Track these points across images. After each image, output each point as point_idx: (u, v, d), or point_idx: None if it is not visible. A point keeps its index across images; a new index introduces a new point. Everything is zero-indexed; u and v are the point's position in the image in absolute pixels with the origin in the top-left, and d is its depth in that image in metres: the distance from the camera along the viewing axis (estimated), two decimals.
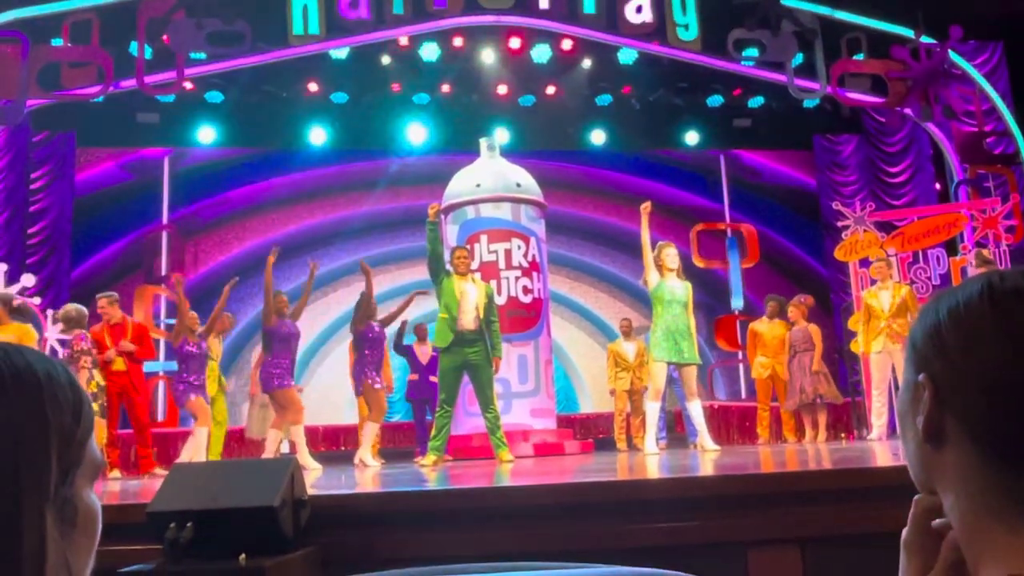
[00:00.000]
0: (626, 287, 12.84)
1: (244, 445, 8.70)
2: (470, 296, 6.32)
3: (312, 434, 8.90)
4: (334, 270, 12.03)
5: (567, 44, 10.76)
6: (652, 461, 4.84)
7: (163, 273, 10.86)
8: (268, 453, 6.41)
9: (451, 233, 8.75)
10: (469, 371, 6.28)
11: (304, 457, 6.31)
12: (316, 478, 4.74)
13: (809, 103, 10.25)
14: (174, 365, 7.19)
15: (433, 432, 6.29)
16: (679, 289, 6.29)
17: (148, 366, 7.85)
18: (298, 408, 6.51)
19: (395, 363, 8.93)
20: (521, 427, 7.92)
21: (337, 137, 11.96)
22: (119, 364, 6.73)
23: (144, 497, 2.99)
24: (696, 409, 6.31)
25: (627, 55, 10.82)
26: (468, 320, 6.26)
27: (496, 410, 6.29)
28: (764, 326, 8.58)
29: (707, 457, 4.97)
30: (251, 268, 11.82)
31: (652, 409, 6.26)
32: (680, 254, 6.58)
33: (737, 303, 9.96)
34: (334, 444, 10.28)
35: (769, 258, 11.81)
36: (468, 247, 7.20)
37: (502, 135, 11.31)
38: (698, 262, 10.15)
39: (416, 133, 12.09)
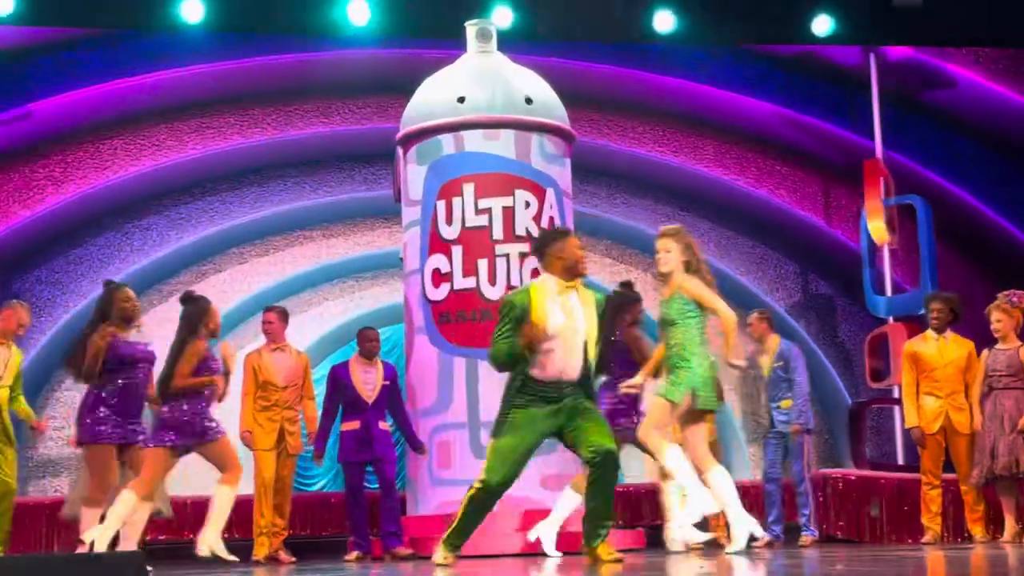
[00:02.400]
0: None
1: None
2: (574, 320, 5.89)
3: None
4: (216, 236, 12.00)
5: None
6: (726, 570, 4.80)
7: None
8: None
9: (415, 179, 8.71)
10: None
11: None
12: None
13: None
14: None
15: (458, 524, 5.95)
16: (664, 304, 6.79)
17: None
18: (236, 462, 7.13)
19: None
20: (527, 503, 7.93)
21: (226, 13, 11.87)
22: None
23: None
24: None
25: None
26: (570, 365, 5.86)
27: None
28: (928, 345, 8.53)
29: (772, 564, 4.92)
30: (83, 229, 11.79)
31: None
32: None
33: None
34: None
35: (947, 229, 11.74)
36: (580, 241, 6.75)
37: (502, 16, 11.25)
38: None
39: (358, 10, 12.01)
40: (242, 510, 8.54)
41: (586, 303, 5.82)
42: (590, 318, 5.80)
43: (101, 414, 6.97)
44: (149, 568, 6.83)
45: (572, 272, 5.81)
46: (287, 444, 8.42)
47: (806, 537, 8.95)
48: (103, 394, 7.03)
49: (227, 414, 8.11)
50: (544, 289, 5.78)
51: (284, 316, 8.83)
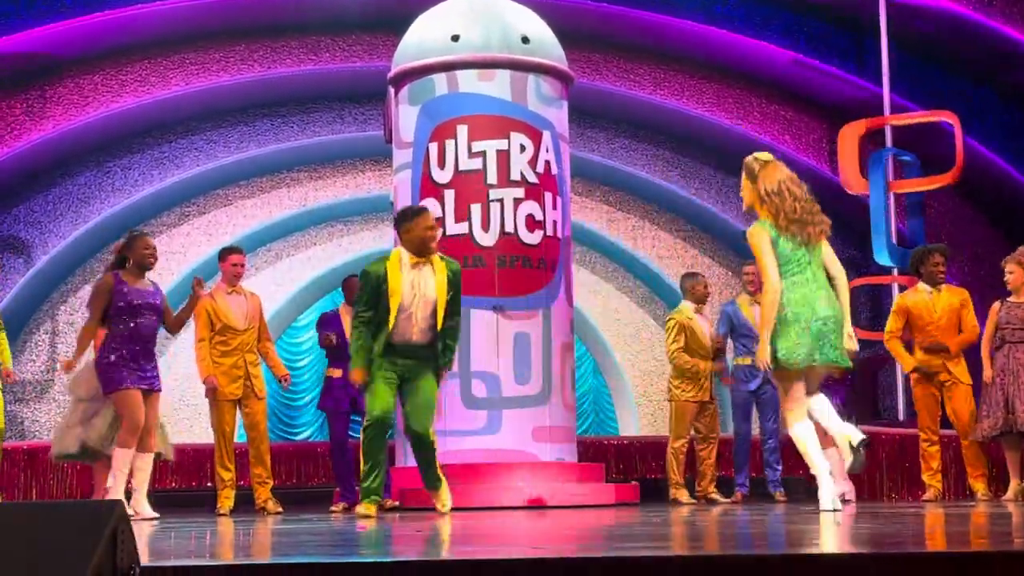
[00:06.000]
0: (704, 218, 12.78)
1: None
2: (425, 292, 6.63)
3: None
4: (200, 176, 12.01)
5: None
6: (728, 524, 4.85)
7: None
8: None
9: (406, 120, 8.70)
10: (404, 385, 6.75)
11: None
12: (152, 534, 4.78)
13: None
14: None
15: (364, 464, 6.48)
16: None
17: None
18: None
19: (297, 349, 9.02)
20: (518, 456, 8.02)
21: None
22: None
23: None
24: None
25: None
26: (416, 329, 6.63)
27: (432, 438, 6.68)
28: (920, 297, 8.57)
29: (804, 517, 4.97)
30: (62, 168, 11.77)
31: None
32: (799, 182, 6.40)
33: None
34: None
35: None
36: (435, 216, 7.23)
37: None
38: (854, 187, 10.21)
39: None
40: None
41: (439, 275, 6.64)
42: (440, 288, 6.57)
43: (113, 359, 7.08)
44: (156, 515, 7.02)
45: (417, 248, 6.63)
46: (254, 388, 8.44)
47: (779, 494, 9.08)
48: (112, 342, 7.15)
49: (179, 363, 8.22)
50: (398, 261, 6.66)
51: None
